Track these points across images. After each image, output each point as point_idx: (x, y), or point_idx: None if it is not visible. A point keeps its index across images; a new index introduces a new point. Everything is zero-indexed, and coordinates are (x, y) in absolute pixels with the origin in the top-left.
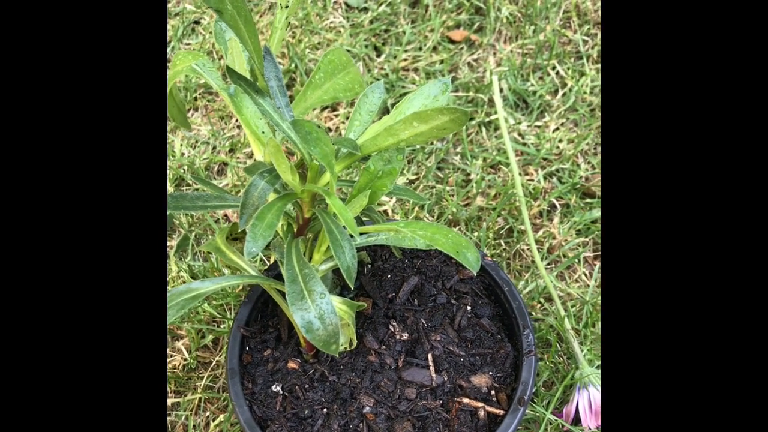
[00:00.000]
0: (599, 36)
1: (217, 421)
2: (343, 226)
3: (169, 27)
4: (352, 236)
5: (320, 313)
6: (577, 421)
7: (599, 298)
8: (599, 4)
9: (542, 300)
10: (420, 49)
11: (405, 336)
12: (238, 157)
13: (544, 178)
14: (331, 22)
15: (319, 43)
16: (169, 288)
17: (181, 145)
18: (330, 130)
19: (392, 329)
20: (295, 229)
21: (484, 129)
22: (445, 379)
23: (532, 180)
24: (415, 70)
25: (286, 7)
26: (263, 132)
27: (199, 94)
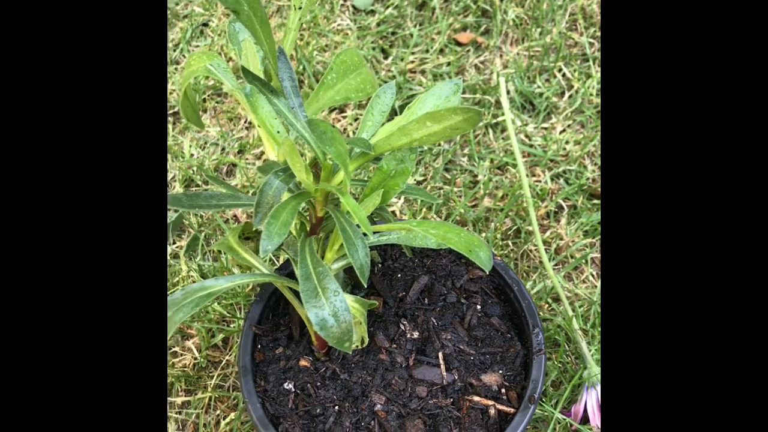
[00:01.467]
0: None
1: (227, 420)
2: (357, 225)
3: (177, 29)
4: (365, 235)
5: (334, 311)
6: (585, 420)
7: None
8: None
9: (550, 300)
10: (427, 51)
11: (416, 334)
12: (246, 158)
13: (551, 180)
14: (339, 25)
15: (326, 46)
16: (180, 287)
17: (191, 146)
18: None
19: (403, 328)
20: (308, 228)
21: (491, 131)
22: (456, 377)
23: (539, 181)
24: (422, 72)
25: (299, 8)
26: (278, 132)
27: (208, 95)
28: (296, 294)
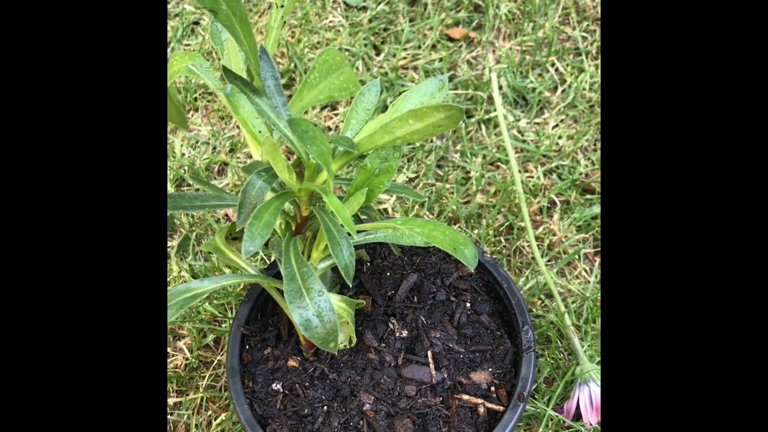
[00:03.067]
0: (598, 32)
1: (218, 420)
2: (341, 225)
3: (168, 28)
4: (349, 234)
5: (318, 311)
6: (578, 417)
7: (599, 294)
8: (598, 0)
9: (543, 296)
10: (419, 47)
11: (404, 333)
12: (238, 157)
13: (544, 175)
14: (330, 22)
15: (318, 43)
16: (169, 288)
17: (182, 145)
18: (329, 129)
19: (392, 327)
20: (293, 228)
21: (483, 126)
22: (445, 375)
23: (532, 177)
24: (415, 68)
25: (282, 6)
26: (260, 131)
27: (199, 94)
28: (283, 294)
